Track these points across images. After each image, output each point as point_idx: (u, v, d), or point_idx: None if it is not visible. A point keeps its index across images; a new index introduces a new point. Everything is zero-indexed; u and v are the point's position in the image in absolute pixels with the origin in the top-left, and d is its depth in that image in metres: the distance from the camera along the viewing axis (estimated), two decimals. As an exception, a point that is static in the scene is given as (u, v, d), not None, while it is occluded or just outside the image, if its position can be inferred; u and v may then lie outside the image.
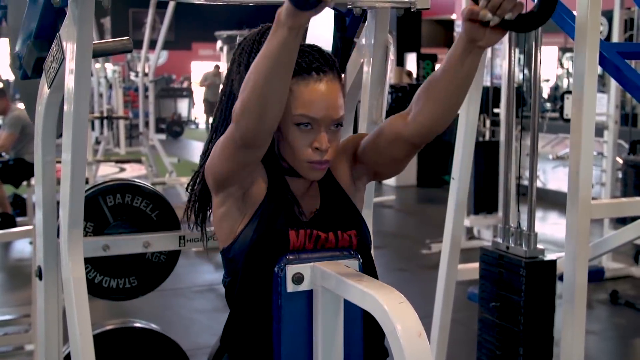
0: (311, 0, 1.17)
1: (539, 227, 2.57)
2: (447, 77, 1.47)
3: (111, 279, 2.28)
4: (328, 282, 1.46)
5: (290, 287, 1.49)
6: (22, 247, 6.58)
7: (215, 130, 1.64)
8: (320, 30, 2.23)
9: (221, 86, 1.68)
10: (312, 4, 1.18)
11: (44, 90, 1.98)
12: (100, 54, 1.98)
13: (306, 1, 1.18)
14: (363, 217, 1.68)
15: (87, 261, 2.08)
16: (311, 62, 1.52)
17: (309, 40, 2.19)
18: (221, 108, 1.64)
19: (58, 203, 1.96)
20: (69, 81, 1.74)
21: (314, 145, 1.52)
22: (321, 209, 1.62)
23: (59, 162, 1.91)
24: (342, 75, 1.60)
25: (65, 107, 1.77)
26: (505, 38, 2.68)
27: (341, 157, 1.68)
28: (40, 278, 2.07)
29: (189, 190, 1.69)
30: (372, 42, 2.04)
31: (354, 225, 1.62)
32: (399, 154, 1.61)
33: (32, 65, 2.03)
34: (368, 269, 1.59)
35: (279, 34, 1.26)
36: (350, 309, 1.50)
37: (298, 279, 1.49)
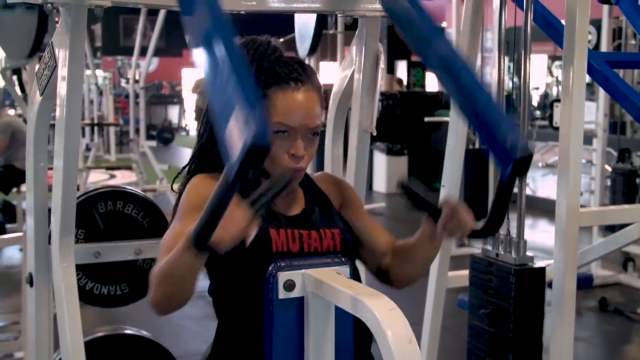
0: (208, 250, 1.29)
1: (528, 235, 2.59)
2: (415, 252, 1.66)
3: (102, 286, 2.27)
4: (319, 288, 1.47)
5: (282, 294, 1.50)
6: (11, 254, 6.56)
7: (201, 137, 1.66)
8: None
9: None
10: (207, 249, 1.29)
11: (36, 97, 1.98)
12: None
13: (203, 247, 1.28)
14: (347, 222, 1.72)
15: (78, 268, 2.08)
16: (290, 72, 1.56)
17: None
18: (206, 116, 1.66)
19: (49, 210, 1.96)
20: (61, 88, 1.75)
21: (291, 152, 1.56)
22: (304, 210, 1.65)
23: (51, 168, 1.92)
24: (321, 87, 1.63)
25: (57, 114, 1.78)
26: (495, 46, 2.69)
27: (332, 188, 1.75)
28: (32, 285, 2.07)
29: (175, 191, 1.70)
30: (363, 50, 2.06)
31: (337, 225, 1.66)
32: (367, 262, 1.75)
33: None
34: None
35: (185, 258, 1.34)
36: (342, 315, 1.51)
37: (289, 285, 1.50)
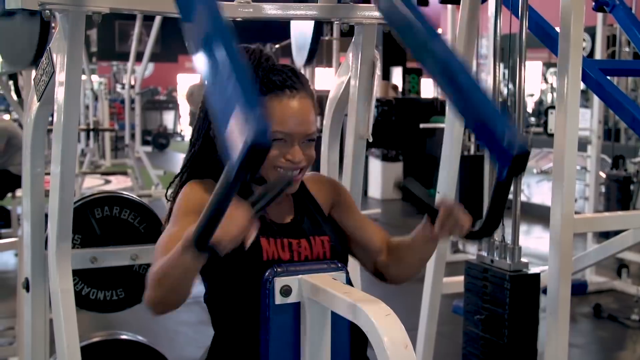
0: (208, 250, 1.28)
1: (523, 241, 2.60)
2: (411, 252, 1.70)
3: (98, 291, 2.28)
4: (316, 294, 1.47)
5: (279, 300, 1.50)
6: (6, 259, 6.54)
7: (193, 145, 1.66)
8: None
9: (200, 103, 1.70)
10: (209, 251, 1.28)
11: (34, 103, 1.99)
12: None
13: (203, 247, 1.27)
14: (337, 224, 1.73)
15: (75, 273, 2.08)
16: (284, 80, 1.57)
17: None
18: (198, 124, 1.66)
19: (46, 215, 1.96)
20: (59, 94, 1.76)
21: (288, 158, 1.56)
22: (295, 219, 1.66)
23: (47, 174, 1.92)
24: (314, 94, 1.64)
25: (55, 120, 1.78)
26: (490, 53, 2.71)
27: (323, 189, 1.75)
28: (28, 290, 2.08)
29: (168, 198, 1.70)
30: (359, 57, 2.07)
31: (327, 232, 1.66)
32: (362, 260, 1.79)
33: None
34: None
35: (184, 259, 1.32)
36: (337, 321, 1.51)
37: (286, 291, 1.51)
